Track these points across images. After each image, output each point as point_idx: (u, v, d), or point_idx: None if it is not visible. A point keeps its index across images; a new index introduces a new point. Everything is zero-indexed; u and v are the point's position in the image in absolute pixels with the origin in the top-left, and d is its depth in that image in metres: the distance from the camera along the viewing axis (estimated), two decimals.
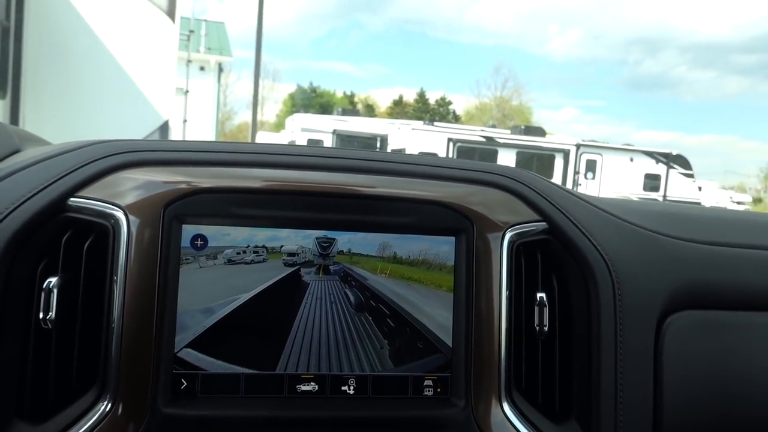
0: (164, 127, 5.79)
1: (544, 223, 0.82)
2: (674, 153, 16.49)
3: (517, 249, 0.81)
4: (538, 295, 0.81)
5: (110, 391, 0.70)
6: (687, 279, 0.86)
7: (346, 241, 0.77)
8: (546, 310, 0.80)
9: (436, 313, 0.78)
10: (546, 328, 0.80)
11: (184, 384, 0.72)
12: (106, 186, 0.73)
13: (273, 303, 0.75)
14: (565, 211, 0.82)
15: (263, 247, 0.75)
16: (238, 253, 0.74)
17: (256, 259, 0.75)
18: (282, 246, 0.76)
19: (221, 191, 0.75)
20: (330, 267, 0.77)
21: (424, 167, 0.82)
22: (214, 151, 0.77)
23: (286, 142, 18.17)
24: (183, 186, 0.74)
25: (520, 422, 0.77)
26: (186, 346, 0.72)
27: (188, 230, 0.73)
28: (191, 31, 12.58)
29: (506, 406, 0.77)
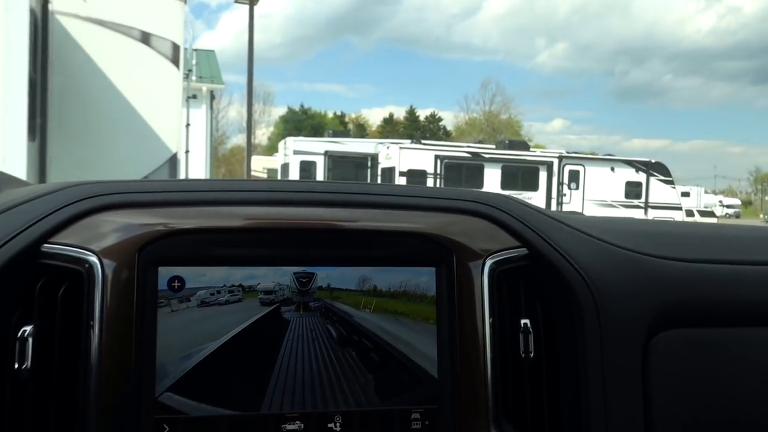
0: (173, 159, 6.38)
1: (524, 249, 0.79)
2: (653, 161, 16.61)
3: (498, 276, 0.77)
4: (522, 321, 0.77)
5: None
6: (670, 297, 0.83)
7: (324, 276, 0.73)
8: (531, 337, 0.77)
9: (420, 345, 0.74)
10: (532, 355, 0.77)
11: (166, 429, 0.68)
12: (80, 230, 0.69)
13: (253, 343, 0.71)
14: (544, 235, 0.79)
15: (239, 286, 0.71)
16: (212, 294, 0.70)
17: (231, 299, 0.71)
18: (258, 284, 0.72)
19: (197, 232, 0.71)
20: (310, 303, 0.73)
21: (401, 198, 0.78)
22: (190, 191, 0.74)
23: (280, 165, 18.19)
24: (158, 228, 0.70)
25: None
26: (167, 391, 0.68)
27: (164, 272, 0.70)
28: (189, 70, 12.75)
29: None
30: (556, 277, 0.79)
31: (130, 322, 0.68)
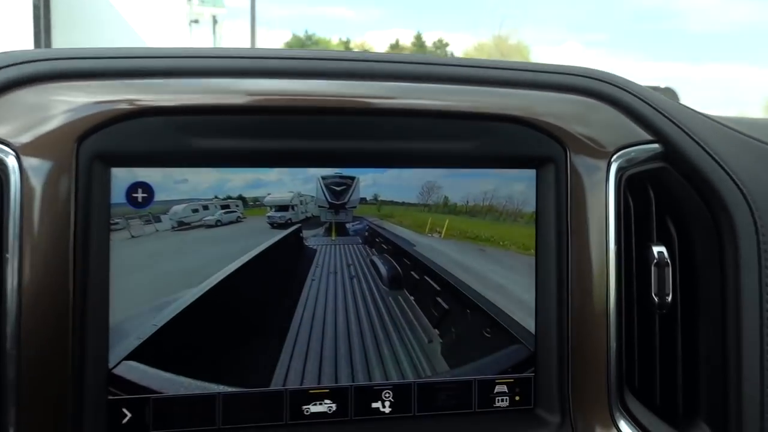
0: None
1: (657, 146, 0.52)
2: (662, 86, 15.97)
3: (625, 184, 0.51)
4: (655, 250, 0.51)
5: None
6: None
7: (369, 182, 0.47)
8: (668, 272, 0.51)
9: (511, 285, 0.49)
10: (668, 298, 0.51)
11: (127, 416, 0.44)
12: None
13: (260, 285, 0.45)
14: (686, 129, 0.52)
15: (238, 198, 0.45)
16: (195, 211, 0.44)
17: (225, 218, 0.44)
18: (267, 195, 0.45)
19: (170, 112, 0.44)
20: (347, 225, 0.47)
21: (484, 70, 0.50)
22: (157, 57, 0.46)
23: None
24: (108, 108, 0.43)
25: None
26: (127, 359, 0.43)
27: (120, 177, 0.43)
28: None
29: (622, 422, 0.49)
30: (700, 186, 0.52)
31: (65, 254, 0.42)
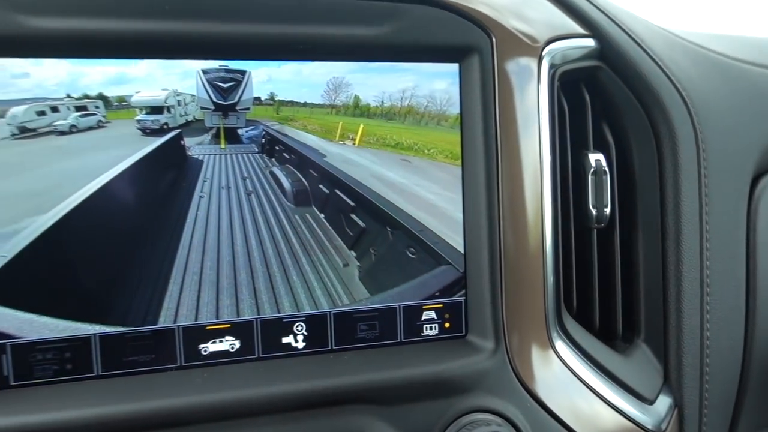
0: None
1: (592, 42, 0.46)
2: None
3: (557, 83, 0.45)
4: (592, 157, 0.46)
5: None
6: None
7: (263, 78, 0.38)
8: (606, 180, 0.46)
9: (437, 200, 0.42)
10: (607, 211, 0.46)
11: None
12: None
13: (132, 207, 0.37)
14: (623, 25, 0.47)
15: (98, 97, 0.35)
16: (41, 113, 0.35)
17: (82, 123, 0.35)
18: (136, 93, 0.36)
19: None
20: (239, 130, 0.39)
21: None
22: None
23: None
24: None
25: (582, 362, 0.45)
26: None
27: None
28: None
29: (559, 343, 0.44)
30: (638, 90, 0.47)
31: None
